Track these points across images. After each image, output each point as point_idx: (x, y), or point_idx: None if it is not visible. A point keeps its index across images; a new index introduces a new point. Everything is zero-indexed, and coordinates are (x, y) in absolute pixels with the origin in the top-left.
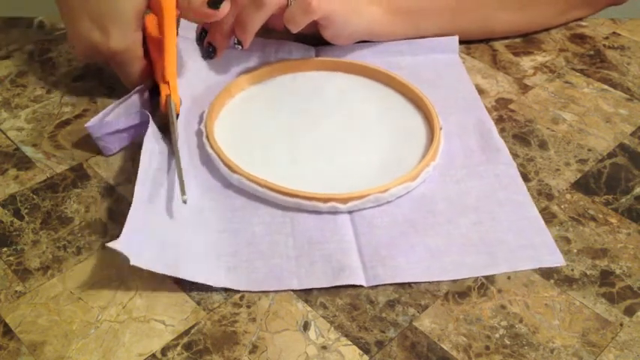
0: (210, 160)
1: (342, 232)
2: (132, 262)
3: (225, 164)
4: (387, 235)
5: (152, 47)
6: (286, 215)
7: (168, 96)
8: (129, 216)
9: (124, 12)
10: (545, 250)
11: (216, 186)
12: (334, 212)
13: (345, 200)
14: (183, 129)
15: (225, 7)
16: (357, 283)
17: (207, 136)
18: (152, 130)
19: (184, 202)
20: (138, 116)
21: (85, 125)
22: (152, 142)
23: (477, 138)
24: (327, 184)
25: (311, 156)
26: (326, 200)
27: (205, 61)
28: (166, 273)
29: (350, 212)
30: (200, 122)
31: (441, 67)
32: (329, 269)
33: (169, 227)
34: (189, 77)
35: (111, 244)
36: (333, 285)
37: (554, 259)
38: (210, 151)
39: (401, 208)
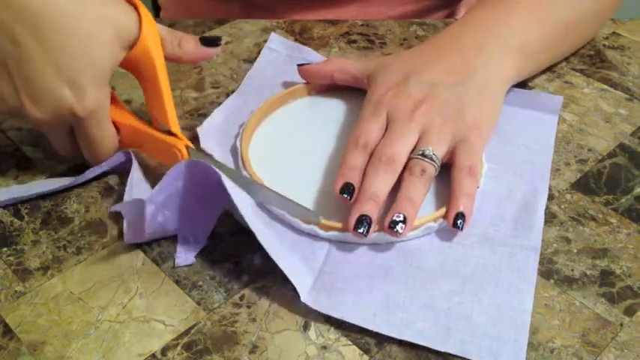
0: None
1: (315, 253)
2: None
3: (243, 160)
4: (353, 271)
5: (115, 111)
6: (275, 218)
7: (187, 147)
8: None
9: (102, 66)
10: (510, 348)
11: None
12: (314, 235)
13: (326, 228)
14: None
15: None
16: (299, 290)
17: (243, 130)
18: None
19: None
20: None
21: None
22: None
23: (517, 208)
24: (332, 208)
25: (332, 178)
26: (307, 222)
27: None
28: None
29: (330, 241)
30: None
31: (528, 124)
32: (298, 251)
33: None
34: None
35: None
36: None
37: None
38: (237, 144)
39: (384, 253)
